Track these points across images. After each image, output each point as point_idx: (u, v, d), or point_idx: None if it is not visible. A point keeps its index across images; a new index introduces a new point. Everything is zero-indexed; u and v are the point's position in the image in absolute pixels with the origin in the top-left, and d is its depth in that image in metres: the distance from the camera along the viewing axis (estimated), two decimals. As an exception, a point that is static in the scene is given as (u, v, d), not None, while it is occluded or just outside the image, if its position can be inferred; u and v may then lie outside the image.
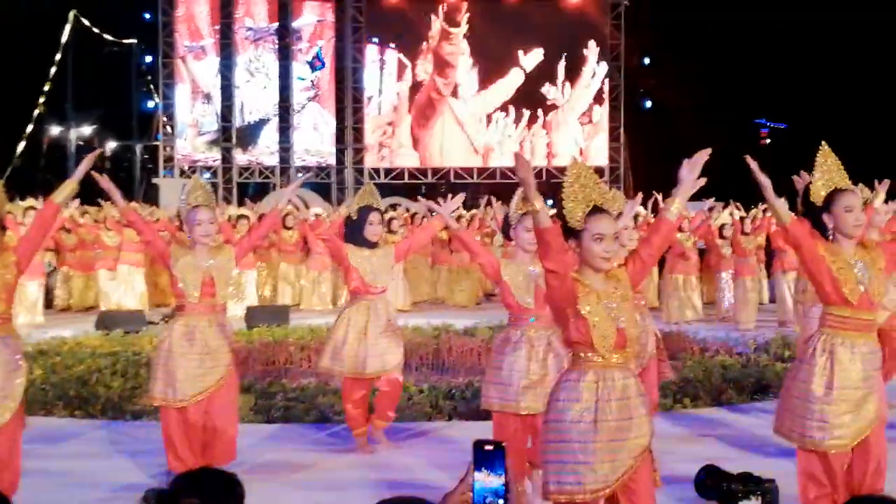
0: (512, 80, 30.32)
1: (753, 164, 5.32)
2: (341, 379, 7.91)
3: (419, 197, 8.04)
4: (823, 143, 5.53)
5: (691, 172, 4.70)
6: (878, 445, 5.40)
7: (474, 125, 30.53)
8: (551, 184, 28.71)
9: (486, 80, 30.38)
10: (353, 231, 7.75)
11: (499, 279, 6.36)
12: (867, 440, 5.28)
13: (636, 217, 16.45)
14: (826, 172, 5.43)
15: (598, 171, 28.78)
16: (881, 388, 5.54)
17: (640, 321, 6.19)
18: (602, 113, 30.06)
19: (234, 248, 6.94)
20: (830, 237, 5.37)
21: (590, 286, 4.44)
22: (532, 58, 30.10)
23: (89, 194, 10.50)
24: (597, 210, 4.46)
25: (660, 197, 15.32)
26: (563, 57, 29.92)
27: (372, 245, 7.69)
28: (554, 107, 30.18)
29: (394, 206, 23.18)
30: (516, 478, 6.23)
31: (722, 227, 15.88)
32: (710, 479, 2.89)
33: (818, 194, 5.41)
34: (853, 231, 5.32)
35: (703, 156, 4.73)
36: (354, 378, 7.67)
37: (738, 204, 17.83)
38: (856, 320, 5.31)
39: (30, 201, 16.36)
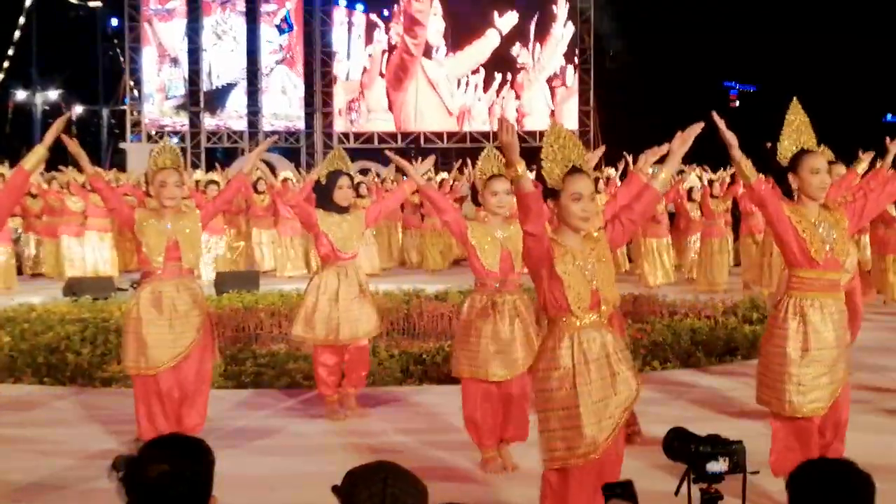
0: (488, 43, 30.23)
1: (720, 122, 5.31)
2: (313, 346, 7.88)
3: (390, 153, 7.95)
4: (795, 99, 5.51)
5: (683, 145, 4.77)
6: (845, 406, 5.46)
7: (448, 87, 30.44)
8: (521, 148, 28.71)
9: (459, 41, 30.26)
10: (323, 196, 7.71)
11: (465, 241, 6.34)
12: (836, 401, 5.33)
13: (606, 180, 16.50)
14: (794, 132, 5.42)
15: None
16: (847, 348, 5.58)
17: None
18: (573, 76, 30.05)
19: (199, 212, 6.90)
20: (795, 198, 5.38)
21: (566, 247, 4.44)
22: (507, 20, 30.02)
23: (54, 160, 10.38)
24: (575, 170, 4.48)
25: (630, 159, 15.37)
26: (535, 18, 29.86)
27: (342, 210, 7.65)
28: (524, 69, 30.14)
29: (364, 171, 23.10)
30: (491, 444, 6.29)
31: (690, 190, 15.97)
32: (677, 442, 2.90)
33: (784, 154, 5.41)
34: (818, 193, 5.32)
35: (695, 129, 4.78)
36: (327, 345, 7.66)
37: (705, 167, 17.92)
38: (822, 280, 5.32)
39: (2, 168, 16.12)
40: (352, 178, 7.86)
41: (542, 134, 4.77)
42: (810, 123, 5.44)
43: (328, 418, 7.65)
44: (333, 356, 7.73)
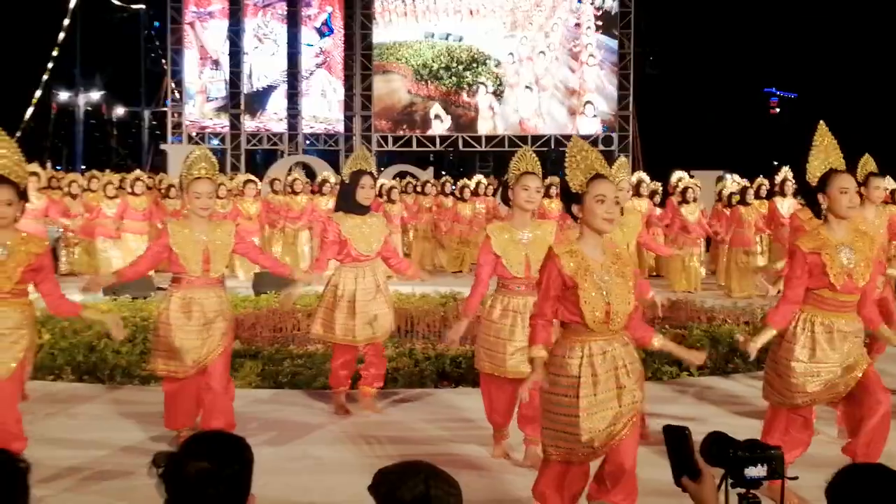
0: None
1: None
2: (332, 344, 8.01)
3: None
4: (821, 122, 5.65)
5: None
6: (877, 386, 5.56)
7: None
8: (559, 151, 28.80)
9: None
10: (346, 195, 7.72)
11: (496, 256, 6.42)
12: (863, 384, 5.50)
13: (640, 184, 16.44)
14: (822, 151, 5.57)
15: (607, 140, 28.80)
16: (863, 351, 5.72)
17: None
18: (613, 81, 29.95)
19: (234, 227, 6.91)
20: (823, 217, 5.52)
21: (586, 260, 4.64)
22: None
23: (91, 163, 10.48)
24: (598, 176, 4.68)
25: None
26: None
27: (363, 210, 7.67)
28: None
29: (402, 175, 23.17)
30: (503, 424, 6.52)
31: (730, 196, 15.99)
32: (716, 446, 2.89)
33: (813, 174, 5.57)
34: (846, 213, 5.46)
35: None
36: (344, 344, 7.77)
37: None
38: (836, 301, 5.49)
39: (30, 167, 16.19)
40: (374, 178, 7.84)
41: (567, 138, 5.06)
42: (837, 144, 5.58)
43: (336, 412, 7.79)
44: (349, 354, 7.89)
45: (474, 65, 30.37)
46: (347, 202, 7.68)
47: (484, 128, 30.40)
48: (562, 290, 4.66)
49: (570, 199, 4.70)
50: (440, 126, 30.49)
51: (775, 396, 5.69)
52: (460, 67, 30.40)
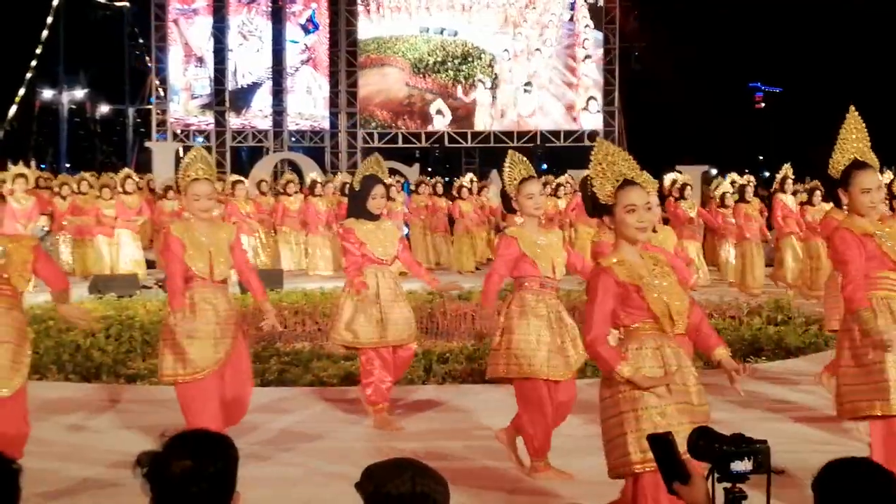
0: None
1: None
2: (360, 351, 7.59)
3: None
4: (852, 108, 5.37)
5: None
6: None
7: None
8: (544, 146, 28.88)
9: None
10: (356, 203, 7.52)
11: (523, 256, 6.23)
12: None
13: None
14: (848, 142, 5.32)
15: (592, 136, 28.82)
16: None
17: None
18: (592, 74, 29.97)
19: (236, 230, 6.83)
20: (844, 209, 5.38)
21: (632, 268, 4.42)
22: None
23: (78, 165, 10.44)
24: (627, 183, 4.48)
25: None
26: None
27: (374, 217, 7.49)
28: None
29: (393, 173, 23.20)
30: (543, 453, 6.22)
31: (723, 196, 16.07)
32: (702, 441, 2.89)
33: (836, 167, 5.34)
34: (868, 213, 5.28)
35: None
36: (376, 347, 7.41)
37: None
38: (889, 280, 5.33)
39: (18, 168, 16.04)
40: (387, 187, 7.67)
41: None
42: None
43: (381, 428, 7.35)
44: (382, 359, 7.43)
45: (470, 59, 30.35)
46: (358, 209, 7.47)
47: (481, 123, 30.36)
48: (622, 300, 4.41)
49: (600, 210, 4.53)
50: (441, 121, 30.46)
51: (863, 405, 5.30)
52: (456, 62, 30.38)
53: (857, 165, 5.25)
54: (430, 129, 30.50)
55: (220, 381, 6.41)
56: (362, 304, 7.29)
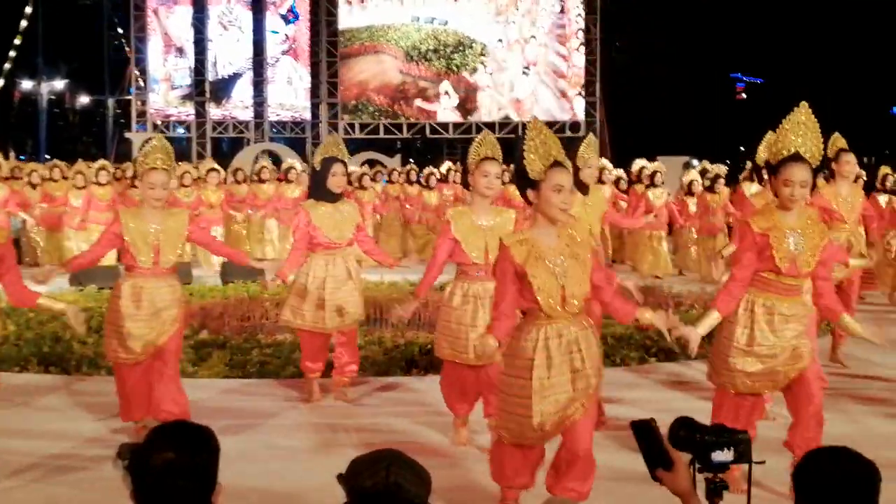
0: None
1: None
2: (298, 331, 7.96)
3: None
4: (803, 103, 5.30)
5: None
6: (815, 387, 5.48)
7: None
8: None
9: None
10: (317, 183, 7.69)
11: (455, 241, 6.37)
12: (801, 378, 5.40)
13: (603, 170, 16.46)
14: (787, 132, 5.24)
15: (574, 126, 28.85)
16: (809, 338, 5.59)
17: None
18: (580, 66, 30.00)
19: (188, 214, 6.86)
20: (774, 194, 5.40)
21: (538, 248, 4.65)
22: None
23: (54, 153, 10.38)
24: (556, 164, 4.68)
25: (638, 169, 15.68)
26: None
27: (335, 197, 7.63)
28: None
29: (370, 163, 23.12)
30: (463, 412, 6.56)
31: (690, 184, 16.06)
32: (683, 431, 2.90)
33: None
34: (789, 204, 5.26)
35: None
36: (314, 331, 7.74)
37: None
38: (780, 284, 5.34)
39: None
40: (345, 165, 7.79)
41: (549, 125, 4.90)
42: (817, 124, 5.24)
43: (306, 400, 7.79)
44: (318, 340, 7.84)
45: (461, 48, 30.34)
46: (319, 189, 7.63)
47: (478, 113, 30.34)
48: (517, 280, 4.68)
49: (526, 184, 4.69)
50: (448, 102, 30.43)
51: (717, 377, 5.62)
52: (448, 50, 30.36)
53: (794, 158, 5.19)
54: (430, 108, 30.39)
55: (151, 369, 6.58)
56: (312, 288, 7.59)
